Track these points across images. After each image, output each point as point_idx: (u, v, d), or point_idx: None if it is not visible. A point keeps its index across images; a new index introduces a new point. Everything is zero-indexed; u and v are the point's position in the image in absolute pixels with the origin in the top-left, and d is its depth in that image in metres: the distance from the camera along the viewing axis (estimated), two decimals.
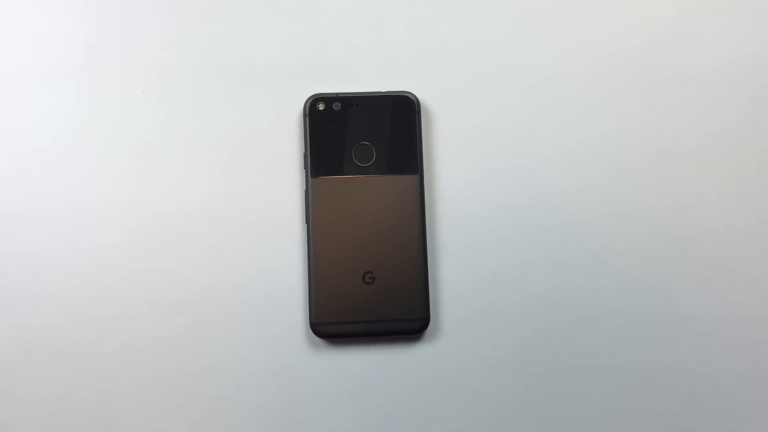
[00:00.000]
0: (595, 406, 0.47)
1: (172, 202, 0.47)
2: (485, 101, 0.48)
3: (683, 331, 0.47)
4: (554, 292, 0.47)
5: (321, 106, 0.47)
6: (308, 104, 0.47)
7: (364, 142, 0.47)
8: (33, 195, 0.46)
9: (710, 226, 0.48)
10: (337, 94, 0.47)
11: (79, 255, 0.46)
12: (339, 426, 0.46)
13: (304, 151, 0.47)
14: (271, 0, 0.48)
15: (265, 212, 0.47)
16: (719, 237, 0.48)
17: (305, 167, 0.46)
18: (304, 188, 0.46)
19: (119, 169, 0.47)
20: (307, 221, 0.46)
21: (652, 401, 0.47)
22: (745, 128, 0.48)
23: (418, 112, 0.47)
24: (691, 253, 0.48)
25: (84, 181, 0.46)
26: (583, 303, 0.47)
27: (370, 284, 0.46)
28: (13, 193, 0.46)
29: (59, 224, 0.46)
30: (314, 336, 0.46)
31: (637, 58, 0.49)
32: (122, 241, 0.46)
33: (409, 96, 0.47)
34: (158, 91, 0.47)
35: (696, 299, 0.47)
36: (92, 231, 0.46)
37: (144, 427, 0.45)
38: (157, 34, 0.48)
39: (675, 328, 0.47)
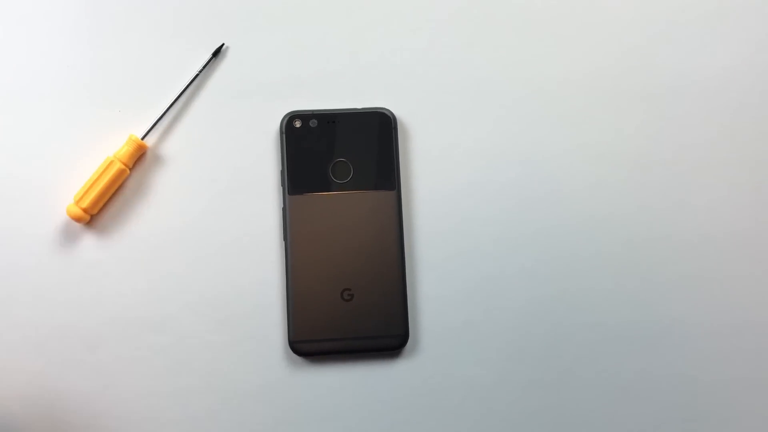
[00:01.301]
0: (577, 418, 0.47)
1: (151, 221, 0.47)
2: (461, 117, 0.48)
3: (663, 341, 0.47)
4: (533, 305, 0.47)
5: (297, 124, 0.47)
6: (285, 122, 0.47)
7: (341, 159, 0.47)
8: (8, 215, 0.46)
9: (689, 235, 0.48)
10: (313, 111, 0.47)
11: (57, 274, 0.46)
12: None
13: (281, 169, 0.47)
14: (246, 19, 0.48)
15: (242, 230, 0.47)
16: (698, 246, 0.48)
17: (282, 184, 0.46)
18: (282, 206, 0.46)
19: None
20: (285, 239, 0.46)
21: (633, 412, 0.47)
22: (724, 139, 0.49)
23: (395, 128, 0.47)
24: (669, 262, 0.48)
25: (60, 201, 0.46)
26: (562, 315, 0.47)
27: (349, 301, 0.46)
28: None
29: (36, 243, 0.46)
30: (293, 354, 0.46)
31: (612, 73, 0.49)
32: (99, 260, 0.46)
33: (386, 112, 0.47)
34: (134, 110, 0.47)
35: (675, 309, 0.47)
36: (69, 250, 0.46)
37: None
38: (134, 53, 0.48)
39: (655, 337, 0.47)
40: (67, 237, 0.46)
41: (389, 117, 0.47)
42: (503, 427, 0.46)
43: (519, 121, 0.48)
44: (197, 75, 0.47)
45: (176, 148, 0.47)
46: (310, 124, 0.47)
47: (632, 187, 0.48)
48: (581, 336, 0.47)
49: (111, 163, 0.46)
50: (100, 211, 0.46)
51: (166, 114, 0.47)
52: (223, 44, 0.48)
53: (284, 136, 0.47)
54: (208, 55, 0.47)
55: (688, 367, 0.47)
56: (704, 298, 0.48)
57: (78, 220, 0.45)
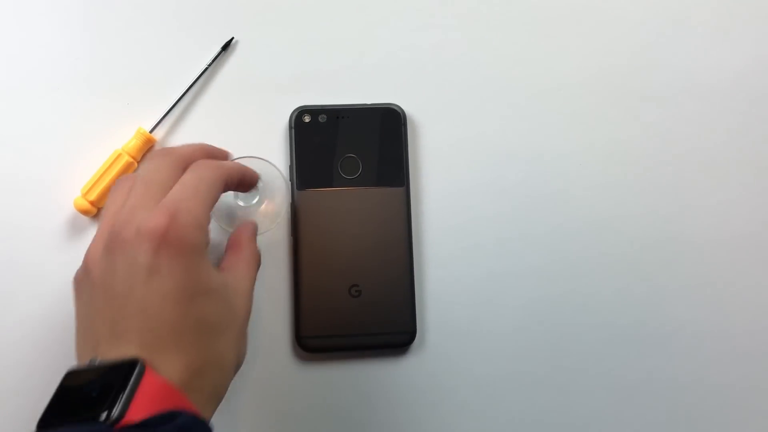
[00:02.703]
0: (583, 417, 0.47)
1: None
2: (470, 114, 0.48)
3: (671, 343, 0.47)
4: (541, 303, 0.47)
5: (307, 119, 0.47)
6: (294, 116, 0.46)
7: (350, 155, 0.46)
8: (16, 207, 0.46)
9: (699, 237, 0.48)
10: (323, 106, 0.47)
11: (63, 267, 0.46)
12: None
13: (289, 164, 0.46)
14: (256, 13, 0.48)
15: None
16: (708, 248, 0.48)
17: (291, 179, 0.46)
18: (290, 200, 0.46)
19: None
20: (293, 234, 0.46)
21: (640, 413, 0.47)
22: (734, 140, 0.49)
23: (405, 124, 0.47)
24: (679, 264, 0.48)
25: (67, 194, 0.46)
26: (570, 314, 0.47)
27: (357, 297, 0.45)
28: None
29: (43, 236, 0.46)
30: (301, 350, 0.45)
31: (623, 72, 0.49)
32: None
33: (395, 108, 0.47)
34: (143, 103, 0.47)
35: (684, 310, 0.47)
36: (76, 243, 0.46)
37: None
38: (143, 46, 0.47)
39: (662, 339, 0.47)
40: (75, 230, 0.46)
41: (399, 113, 0.47)
42: (509, 425, 0.46)
43: (528, 119, 0.48)
44: (206, 69, 0.47)
45: (184, 141, 0.47)
46: (320, 119, 0.47)
47: (641, 187, 0.48)
48: (588, 336, 0.47)
49: (119, 156, 0.45)
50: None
51: (175, 107, 0.47)
52: (232, 38, 0.48)
53: (293, 131, 0.46)
54: (218, 49, 0.47)
55: (695, 369, 0.47)
56: (713, 301, 0.48)
57: (85, 213, 0.45)
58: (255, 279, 0.40)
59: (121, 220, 0.36)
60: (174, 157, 0.39)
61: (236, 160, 0.46)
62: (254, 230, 0.43)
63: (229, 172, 0.40)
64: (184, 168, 0.38)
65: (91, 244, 0.37)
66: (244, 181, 0.42)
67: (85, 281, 0.36)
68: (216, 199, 0.38)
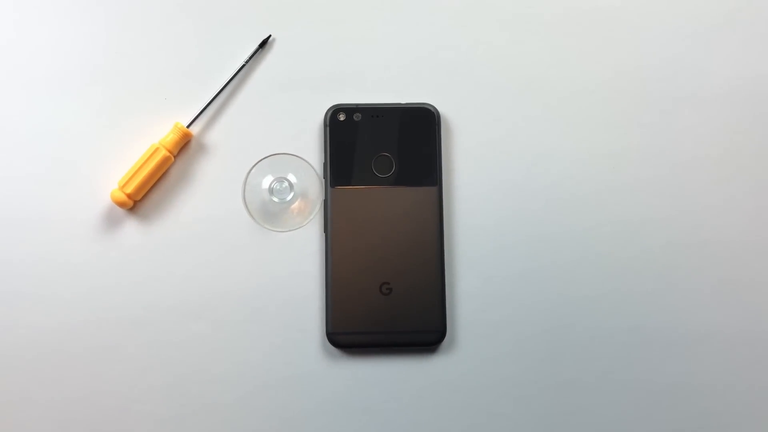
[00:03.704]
0: (611, 421, 0.46)
1: (193, 208, 0.47)
2: (504, 115, 0.48)
3: (700, 347, 0.47)
4: (570, 305, 0.47)
5: (342, 117, 0.47)
6: (329, 114, 0.47)
7: (383, 153, 0.47)
8: (54, 198, 0.47)
9: (728, 241, 0.48)
10: (357, 104, 0.47)
11: (98, 258, 0.47)
12: None
13: (324, 161, 0.47)
14: (293, 11, 0.48)
15: None
16: (737, 252, 0.48)
17: (325, 177, 0.47)
18: (323, 198, 0.47)
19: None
20: (326, 231, 0.46)
21: (667, 418, 0.47)
22: (763, 144, 0.48)
23: (438, 124, 0.47)
24: (708, 268, 0.47)
25: (104, 186, 0.47)
26: (600, 317, 0.47)
27: (387, 295, 0.46)
28: (35, 196, 0.47)
29: (80, 228, 0.47)
30: (330, 345, 0.46)
31: (654, 76, 0.49)
32: (141, 245, 0.47)
33: (430, 108, 0.47)
34: (180, 98, 0.48)
35: (713, 315, 0.47)
36: (111, 235, 0.47)
37: None
38: (181, 42, 0.48)
39: (692, 343, 0.47)
40: (111, 222, 0.47)
41: (433, 113, 0.47)
42: (538, 427, 0.46)
43: (560, 121, 0.48)
44: (243, 65, 0.48)
45: (221, 137, 0.48)
46: (354, 118, 0.47)
47: (674, 190, 0.48)
48: (619, 338, 0.47)
49: (156, 150, 0.46)
50: (144, 197, 0.47)
51: (212, 103, 0.47)
52: (270, 36, 0.48)
53: (328, 128, 0.47)
54: (255, 46, 0.48)
55: (725, 373, 0.47)
56: (744, 304, 0.47)
57: (122, 205, 0.46)
58: None
59: None
60: None
61: (270, 157, 0.46)
62: None
63: None
64: None
65: None
66: None
67: None
68: None
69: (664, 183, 0.48)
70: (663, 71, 0.49)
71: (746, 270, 0.48)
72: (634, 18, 0.49)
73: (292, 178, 0.46)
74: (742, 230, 0.48)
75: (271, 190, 0.46)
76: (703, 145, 0.48)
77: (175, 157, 0.47)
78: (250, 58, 0.48)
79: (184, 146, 0.47)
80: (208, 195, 0.47)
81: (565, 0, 0.49)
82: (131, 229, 0.47)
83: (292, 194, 0.46)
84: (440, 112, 0.47)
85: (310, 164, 0.46)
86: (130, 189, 0.46)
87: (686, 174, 0.48)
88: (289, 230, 0.47)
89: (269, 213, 0.47)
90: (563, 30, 0.49)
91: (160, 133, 0.47)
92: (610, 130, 0.48)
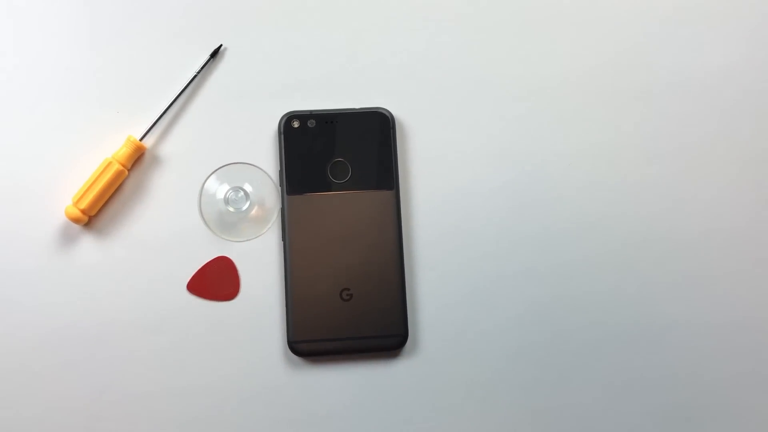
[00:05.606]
0: (578, 418, 0.47)
1: (149, 222, 0.46)
2: (458, 116, 0.48)
3: (663, 340, 0.47)
4: (532, 304, 0.47)
5: (296, 124, 0.47)
6: (283, 122, 0.47)
7: (339, 159, 0.47)
8: (7, 216, 0.46)
9: (688, 233, 0.48)
10: (311, 111, 0.47)
11: (54, 275, 0.46)
12: None
13: (279, 169, 0.47)
14: (244, 20, 0.48)
15: None
16: (696, 245, 0.48)
17: (281, 184, 0.46)
18: (280, 206, 0.46)
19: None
20: (284, 239, 0.46)
21: (634, 411, 0.47)
22: (722, 137, 0.49)
23: (393, 128, 0.47)
24: (669, 261, 0.48)
25: (58, 202, 0.46)
26: (562, 315, 0.47)
27: (348, 301, 0.45)
28: None
29: (34, 245, 0.46)
30: (292, 354, 0.46)
31: (610, 72, 0.49)
32: (97, 261, 0.46)
33: (384, 112, 0.47)
34: (133, 111, 0.47)
35: (674, 308, 0.47)
36: (67, 251, 0.46)
37: None
38: (132, 55, 0.48)
39: (654, 337, 0.47)
40: (66, 238, 0.46)
41: (388, 117, 0.47)
42: (503, 427, 0.46)
43: (517, 121, 0.48)
44: (195, 76, 0.47)
45: (174, 149, 0.47)
46: (309, 125, 0.47)
47: (630, 186, 0.48)
48: (580, 336, 0.47)
49: (109, 164, 0.46)
50: (99, 212, 0.46)
51: (165, 115, 0.47)
52: (221, 45, 0.48)
53: (282, 136, 0.47)
54: (206, 56, 0.48)
55: (688, 365, 0.47)
56: (703, 297, 0.48)
57: (76, 221, 0.45)
58: None
59: None
60: None
61: (225, 167, 0.46)
62: None
63: None
64: None
65: None
66: None
67: None
68: None
69: (620, 179, 0.48)
70: (614, 68, 0.49)
71: (706, 261, 0.48)
72: (585, 14, 0.49)
73: (247, 187, 0.46)
74: (699, 223, 0.48)
75: (227, 200, 0.46)
76: (661, 140, 0.49)
77: (129, 170, 0.46)
78: (202, 68, 0.47)
79: (137, 159, 0.47)
80: (164, 208, 0.47)
81: None
82: (87, 244, 0.46)
83: (248, 203, 0.46)
84: (394, 116, 0.47)
85: (265, 172, 0.46)
86: (84, 204, 0.45)
87: (642, 169, 0.48)
88: (247, 240, 0.46)
89: (226, 223, 0.46)
90: (516, 30, 0.49)
91: (113, 147, 0.47)
92: (565, 129, 0.48)
